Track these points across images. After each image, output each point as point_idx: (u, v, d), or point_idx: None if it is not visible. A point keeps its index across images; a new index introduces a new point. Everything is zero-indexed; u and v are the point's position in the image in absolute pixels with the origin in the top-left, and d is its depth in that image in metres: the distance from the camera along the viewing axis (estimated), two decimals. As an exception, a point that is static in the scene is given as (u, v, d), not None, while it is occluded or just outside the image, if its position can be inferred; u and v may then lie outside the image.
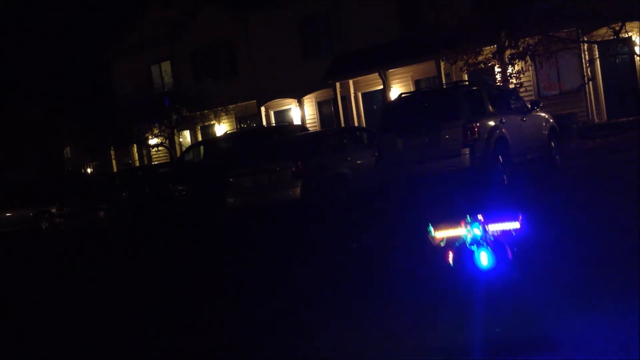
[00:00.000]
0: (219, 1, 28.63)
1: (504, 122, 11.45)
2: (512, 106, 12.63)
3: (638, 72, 19.42)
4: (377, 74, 23.12)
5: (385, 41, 23.26)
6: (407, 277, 5.64)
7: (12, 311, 7.79)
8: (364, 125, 23.28)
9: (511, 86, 18.01)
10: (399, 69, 23.36)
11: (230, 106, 27.93)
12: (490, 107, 11.66)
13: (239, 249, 10.03)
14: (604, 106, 20.23)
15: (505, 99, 12.83)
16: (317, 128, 25.66)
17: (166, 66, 31.24)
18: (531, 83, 20.72)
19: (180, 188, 17.05)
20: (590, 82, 19.47)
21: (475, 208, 4.94)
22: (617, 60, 20.25)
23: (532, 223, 4.82)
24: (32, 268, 11.99)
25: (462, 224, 4.69)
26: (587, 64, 19.24)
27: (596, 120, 19.83)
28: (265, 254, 9.03)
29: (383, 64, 22.78)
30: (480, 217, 4.69)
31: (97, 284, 8.88)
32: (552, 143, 13.02)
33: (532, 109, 12.76)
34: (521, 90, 18.09)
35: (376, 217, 11.11)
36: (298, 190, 12.24)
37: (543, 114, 13.17)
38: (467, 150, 10.75)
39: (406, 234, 7.44)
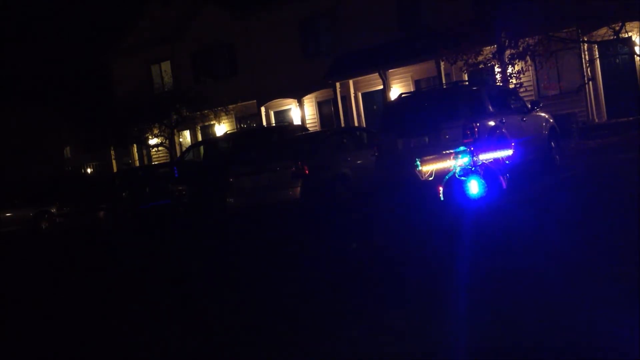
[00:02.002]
0: (219, 1, 28.63)
1: (503, 122, 11.44)
2: (512, 106, 12.62)
3: (638, 72, 19.42)
4: (377, 74, 23.13)
5: (385, 41, 23.27)
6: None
7: (12, 311, 7.79)
8: (364, 125, 23.28)
9: (511, 86, 18.00)
10: (399, 69, 23.37)
11: (230, 106, 27.94)
12: (490, 107, 11.64)
13: (238, 249, 10.03)
14: (604, 106, 20.23)
15: (505, 99, 12.82)
16: (317, 128, 25.67)
17: (166, 66, 31.23)
18: (531, 83, 20.72)
19: (180, 188, 17.05)
20: (590, 82, 19.48)
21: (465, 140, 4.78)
22: (617, 60, 20.26)
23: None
24: (32, 268, 11.99)
25: (451, 156, 4.58)
26: (587, 64, 19.25)
27: (596, 120, 19.83)
28: (265, 254, 9.02)
29: (383, 64, 22.79)
30: (470, 148, 4.58)
31: (97, 284, 8.88)
32: (552, 143, 13.01)
33: (532, 109, 12.75)
34: (521, 90, 18.08)
35: (376, 217, 11.10)
36: (298, 190, 12.22)
37: (543, 114, 13.16)
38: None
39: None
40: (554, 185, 6.79)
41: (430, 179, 4.56)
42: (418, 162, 4.63)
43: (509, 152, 4.54)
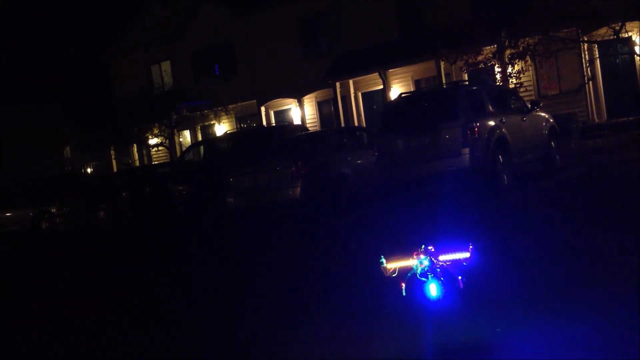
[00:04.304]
0: (219, 1, 28.62)
1: (504, 122, 11.45)
2: (512, 106, 12.63)
3: (638, 72, 19.42)
4: (377, 74, 23.12)
5: (385, 41, 23.27)
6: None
7: (12, 311, 7.79)
8: (364, 125, 23.27)
9: (511, 86, 18.01)
10: (399, 69, 23.36)
11: (230, 106, 27.93)
12: (490, 107, 11.65)
13: (238, 249, 10.03)
14: (604, 106, 20.23)
15: (505, 99, 12.83)
16: (317, 128, 25.66)
17: (166, 66, 31.23)
18: (531, 83, 20.72)
19: (180, 188, 17.06)
20: (590, 82, 19.47)
21: (427, 238, 5.06)
22: (617, 60, 20.26)
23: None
24: (32, 268, 11.98)
25: (414, 255, 4.82)
26: (587, 64, 19.24)
27: (596, 120, 19.82)
28: (265, 254, 9.02)
29: (383, 64, 22.78)
30: (430, 248, 4.82)
31: (97, 283, 8.87)
32: (552, 143, 13.01)
33: (532, 109, 12.75)
34: (521, 90, 18.08)
35: (376, 217, 11.10)
36: (298, 190, 12.23)
37: (543, 114, 13.16)
38: (467, 150, 10.74)
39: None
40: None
41: (394, 275, 4.87)
42: (383, 260, 4.93)
43: (466, 254, 4.81)
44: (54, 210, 19.40)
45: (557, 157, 13.20)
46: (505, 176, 11.17)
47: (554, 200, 9.91)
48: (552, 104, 18.69)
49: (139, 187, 17.36)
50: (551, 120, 13.26)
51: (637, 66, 19.44)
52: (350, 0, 24.73)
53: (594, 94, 19.88)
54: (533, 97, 19.33)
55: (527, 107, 12.86)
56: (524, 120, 12.27)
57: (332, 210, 12.08)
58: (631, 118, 18.02)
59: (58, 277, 10.19)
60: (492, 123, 11.24)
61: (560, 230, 7.37)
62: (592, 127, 19.18)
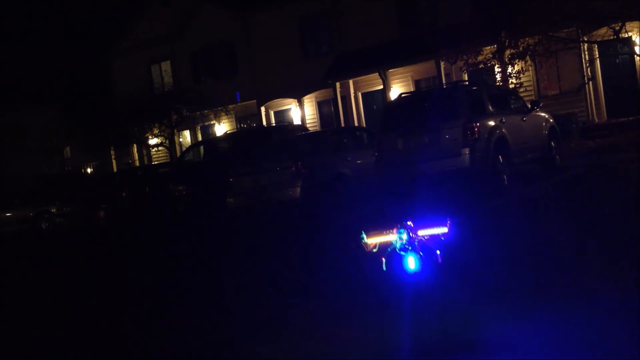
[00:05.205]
0: (219, 1, 28.63)
1: (504, 122, 11.45)
2: (512, 106, 12.63)
3: (638, 72, 19.42)
4: (377, 74, 23.13)
5: (385, 41, 23.27)
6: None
7: (12, 311, 7.79)
8: (364, 125, 23.28)
9: (511, 86, 18.01)
10: (399, 69, 23.37)
11: (230, 106, 27.93)
12: (490, 107, 11.65)
13: (238, 249, 10.03)
14: (604, 106, 20.23)
15: (505, 99, 12.83)
16: (317, 128, 25.66)
17: (166, 66, 31.24)
18: (531, 83, 20.72)
19: (180, 188, 17.06)
20: (590, 82, 19.48)
21: (408, 214, 5.26)
22: (617, 60, 20.26)
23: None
24: (32, 268, 11.99)
25: (394, 230, 4.95)
26: (587, 64, 19.25)
27: (596, 120, 19.83)
28: (264, 254, 9.02)
29: (383, 64, 22.79)
30: (409, 223, 4.95)
31: (97, 283, 8.88)
32: (552, 143, 13.02)
33: (532, 109, 12.76)
34: (521, 90, 18.08)
35: (376, 217, 11.10)
36: (298, 190, 12.23)
37: (543, 114, 13.16)
38: (467, 150, 10.74)
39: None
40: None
41: (375, 250, 5.02)
42: (363, 235, 5.06)
43: (445, 229, 4.95)
44: (54, 210, 19.42)
45: (557, 157, 13.21)
46: (505, 176, 11.17)
47: (552, 198, 9.92)
48: (552, 104, 18.69)
49: (139, 187, 17.37)
50: (551, 120, 13.26)
51: (637, 66, 19.44)
52: (350, 0, 24.74)
53: (594, 94, 19.89)
54: (533, 97, 19.33)
55: (527, 107, 12.86)
56: (524, 120, 12.28)
57: (332, 210, 12.08)
58: (631, 118, 18.02)
59: (58, 277, 10.19)
60: (492, 123, 11.24)
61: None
62: (592, 127, 19.19)
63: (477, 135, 10.76)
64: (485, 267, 5.78)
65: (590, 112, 19.86)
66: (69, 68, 42.87)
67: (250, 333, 5.29)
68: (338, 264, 6.26)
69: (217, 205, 14.54)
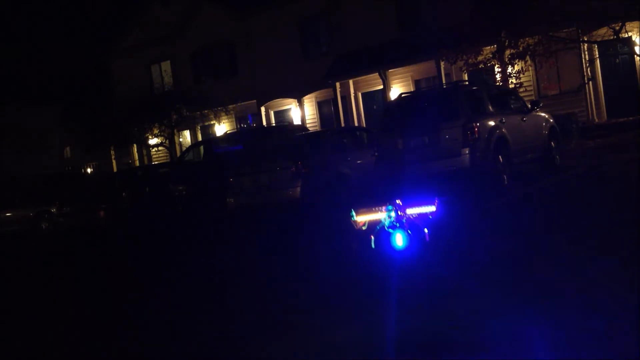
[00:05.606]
0: (219, 1, 28.64)
1: (504, 122, 11.45)
2: (512, 106, 12.63)
3: (638, 72, 19.42)
4: (377, 74, 23.13)
5: (385, 41, 23.27)
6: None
7: (12, 311, 7.79)
8: (364, 125, 23.28)
9: (511, 86, 18.01)
10: (399, 69, 23.37)
11: (230, 106, 27.93)
12: (490, 107, 11.65)
13: (238, 249, 10.03)
14: (604, 106, 20.23)
15: (505, 99, 12.83)
16: (317, 128, 25.67)
17: (166, 66, 31.24)
18: (531, 83, 20.73)
19: (180, 188, 17.05)
20: (590, 82, 19.48)
21: (397, 193, 5.40)
22: (617, 60, 20.26)
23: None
24: (32, 268, 11.99)
25: (383, 208, 5.04)
26: (587, 64, 19.25)
27: (596, 120, 19.83)
28: (264, 254, 9.02)
29: (383, 64, 22.79)
30: (398, 201, 5.04)
31: (97, 283, 8.88)
32: (552, 143, 13.02)
33: (532, 109, 12.76)
34: (521, 90, 18.09)
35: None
36: (298, 190, 12.23)
37: (543, 114, 13.16)
38: (467, 150, 10.75)
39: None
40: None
41: (364, 228, 5.12)
42: (353, 213, 5.15)
43: (432, 208, 5.03)
44: (54, 210, 19.40)
45: (557, 157, 13.21)
46: (505, 176, 11.17)
47: (552, 197, 9.92)
48: (552, 104, 18.70)
49: (139, 187, 17.35)
50: (551, 120, 13.26)
51: (637, 66, 19.44)
52: (350, 0, 24.74)
53: (594, 94, 19.89)
54: (533, 97, 19.33)
55: (527, 107, 12.86)
56: (524, 120, 12.28)
57: (332, 209, 12.07)
58: (631, 118, 18.03)
59: (58, 277, 10.19)
60: (492, 123, 11.24)
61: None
62: (592, 127, 19.19)
63: (477, 135, 10.77)
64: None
65: (590, 112, 19.86)
66: (69, 68, 42.89)
67: (250, 332, 5.29)
68: (337, 262, 6.30)
69: (217, 205, 14.54)
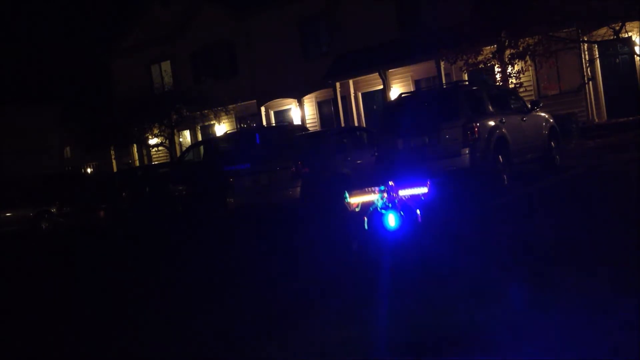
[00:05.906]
0: (219, 1, 28.64)
1: (504, 122, 11.45)
2: (512, 106, 12.63)
3: (638, 72, 19.43)
4: (377, 74, 23.14)
5: (385, 41, 23.28)
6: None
7: (12, 311, 7.79)
8: (364, 125, 23.28)
9: (511, 86, 18.01)
10: (399, 69, 23.38)
11: (230, 106, 27.94)
12: (490, 107, 11.66)
13: (238, 249, 10.03)
14: (604, 106, 20.24)
15: (505, 99, 12.83)
16: (317, 128, 25.67)
17: (166, 66, 31.25)
18: (531, 83, 20.73)
19: (180, 188, 17.05)
20: (590, 82, 19.48)
21: (389, 176, 5.55)
22: (617, 60, 20.26)
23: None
24: (32, 268, 11.99)
25: (375, 190, 5.13)
26: (587, 64, 19.25)
27: (596, 120, 19.83)
28: (264, 254, 9.02)
29: (383, 64, 22.79)
30: (390, 183, 5.14)
31: (97, 284, 8.88)
32: (552, 143, 13.02)
33: (532, 109, 12.76)
34: (521, 90, 18.09)
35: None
36: (298, 190, 12.23)
37: (543, 114, 13.17)
38: (467, 150, 10.75)
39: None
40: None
41: (357, 210, 5.22)
42: (346, 195, 5.23)
43: (425, 189, 5.11)
44: (54, 210, 19.39)
45: (557, 157, 13.21)
46: (505, 176, 11.17)
47: (551, 197, 9.92)
48: (552, 104, 18.70)
49: (139, 187, 17.35)
50: (551, 120, 13.27)
51: (637, 66, 19.44)
52: (350, 0, 24.75)
53: (594, 94, 19.90)
54: (533, 97, 19.34)
55: (527, 107, 12.87)
56: (524, 120, 12.28)
57: (332, 210, 12.07)
58: (631, 118, 18.03)
59: (58, 277, 10.19)
60: (492, 123, 11.24)
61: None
62: (592, 127, 19.19)
63: (477, 135, 10.77)
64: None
65: (590, 112, 19.86)
66: (69, 68, 42.89)
67: (250, 332, 5.29)
68: (337, 262, 6.34)
69: (217, 205, 14.54)
